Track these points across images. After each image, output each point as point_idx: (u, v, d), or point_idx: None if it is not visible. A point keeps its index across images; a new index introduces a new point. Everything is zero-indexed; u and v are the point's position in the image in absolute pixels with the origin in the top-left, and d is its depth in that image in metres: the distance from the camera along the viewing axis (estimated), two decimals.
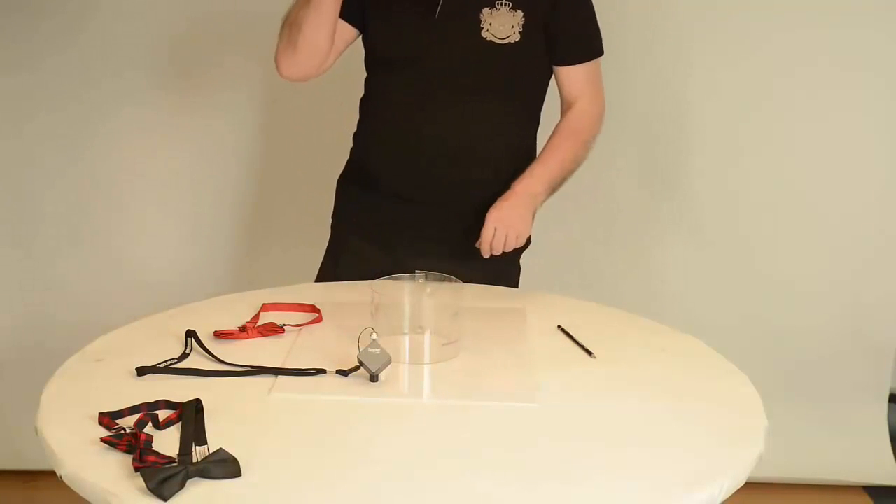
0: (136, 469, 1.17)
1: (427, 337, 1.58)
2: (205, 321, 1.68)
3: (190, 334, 1.61)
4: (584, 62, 2.01)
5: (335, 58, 2.03)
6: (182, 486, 1.14)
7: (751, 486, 1.35)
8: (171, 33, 2.81)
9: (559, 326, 1.73)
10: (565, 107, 2.04)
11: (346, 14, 1.96)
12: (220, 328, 1.67)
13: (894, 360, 3.00)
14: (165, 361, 1.53)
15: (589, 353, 1.63)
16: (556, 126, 2.02)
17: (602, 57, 2.05)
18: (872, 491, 2.94)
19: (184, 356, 1.56)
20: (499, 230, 1.88)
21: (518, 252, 2.07)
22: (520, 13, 1.92)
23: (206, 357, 1.57)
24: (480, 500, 1.18)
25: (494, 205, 1.91)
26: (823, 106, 2.81)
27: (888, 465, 2.96)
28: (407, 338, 1.59)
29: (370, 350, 1.48)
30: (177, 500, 1.13)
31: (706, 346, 1.69)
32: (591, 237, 2.93)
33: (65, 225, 2.93)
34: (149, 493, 1.13)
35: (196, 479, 1.16)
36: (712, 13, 2.77)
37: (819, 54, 2.77)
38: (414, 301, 1.63)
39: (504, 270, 2.05)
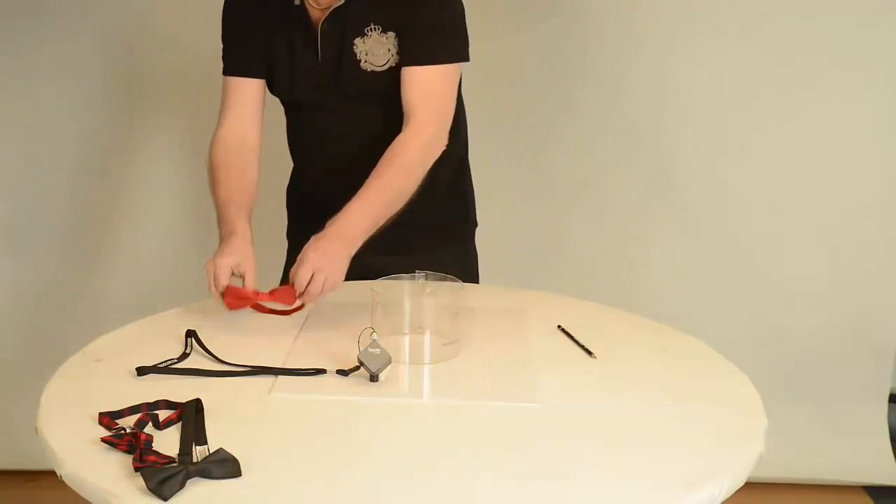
0: (136, 469, 1.17)
1: (427, 337, 1.58)
2: (205, 321, 1.69)
3: (190, 334, 1.62)
4: (419, 65, 1.84)
5: (262, 108, 2.00)
6: (182, 486, 1.14)
7: (751, 486, 1.35)
8: (168, 33, 2.81)
9: (559, 326, 1.73)
10: (403, 119, 1.85)
11: (251, 70, 1.94)
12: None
13: (894, 360, 3.00)
14: (165, 361, 1.53)
15: (589, 353, 1.63)
16: (385, 154, 1.82)
17: (453, 67, 1.88)
18: (872, 491, 2.95)
19: (184, 356, 1.56)
20: (317, 275, 1.68)
21: (471, 232, 2.13)
22: (391, 34, 1.85)
23: (206, 357, 1.57)
24: (480, 500, 1.18)
25: (311, 245, 1.71)
26: (823, 105, 2.81)
27: (888, 465, 2.96)
28: (407, 338, 1.59)
29: (370, 350, 1.48)
30: (177, 500, 1.13)
31: (706, 346, 1.69)
32: (589, 237, 2.93)
33: (65, 225, 2.93)
34: (149, 493, 1.13)
35: (196, 479, 1.16)
36: (711, 10, 2.77)
37: (819, 53, 2.77)
38: (414, 301, 1.63)
39: (463, 252, 2.10)
